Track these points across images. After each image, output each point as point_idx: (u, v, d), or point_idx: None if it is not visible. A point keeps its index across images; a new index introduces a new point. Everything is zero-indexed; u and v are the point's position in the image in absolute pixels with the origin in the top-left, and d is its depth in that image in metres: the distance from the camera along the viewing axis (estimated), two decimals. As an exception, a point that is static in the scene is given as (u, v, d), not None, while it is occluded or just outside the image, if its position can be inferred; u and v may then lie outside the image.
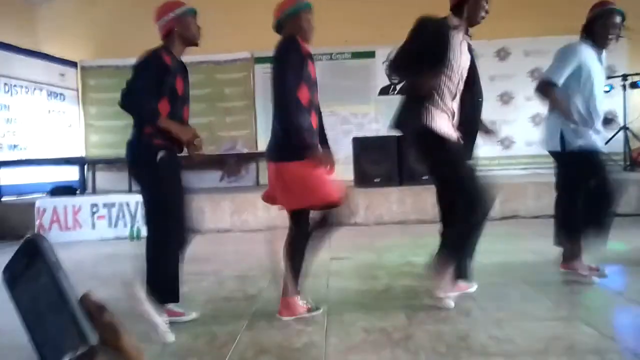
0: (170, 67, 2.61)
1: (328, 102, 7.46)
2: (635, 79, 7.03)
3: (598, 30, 3.07)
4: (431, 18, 2.73)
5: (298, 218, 2.73)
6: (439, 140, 2.73)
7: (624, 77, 6.89)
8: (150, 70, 2.57)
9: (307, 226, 2.73)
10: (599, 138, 3.16)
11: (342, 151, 6.92)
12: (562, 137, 3.10)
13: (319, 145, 2.76)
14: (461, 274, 2.90)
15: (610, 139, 6.62)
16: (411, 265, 3.72)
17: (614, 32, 3.06)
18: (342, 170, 6.61)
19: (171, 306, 2.70)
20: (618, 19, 3.05)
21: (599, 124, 3.14)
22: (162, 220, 2.65)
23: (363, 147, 6.32)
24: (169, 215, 2.63)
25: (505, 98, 7.68)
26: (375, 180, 6.21)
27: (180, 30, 2.67)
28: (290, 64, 2.54)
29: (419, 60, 2.66)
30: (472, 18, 2.73)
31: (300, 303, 2.74)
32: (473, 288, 2.97)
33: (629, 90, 6.93)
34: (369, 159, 6.25)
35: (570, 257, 3.21)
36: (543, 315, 2.67)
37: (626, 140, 6.92)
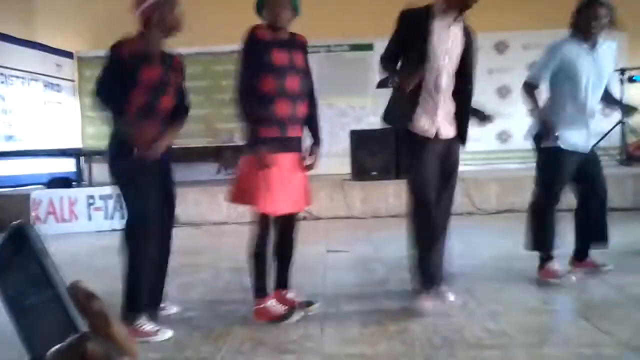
0: (135, 58, 2.49)
1: (325, 94, 7.42)
2: (634, 73, 7.03)
3: (582, 23, 3.03)
4: (409, 9, 2.68)
5: (254, 216, 2.62)
6: (410, 134, 2.71)
7: (622, 71, 6.88)
8: (112, 64, 2.50)
9: (263, 227, 2.59)
10: (583, 136, 3.10)
11: (339, 144, 6.92)
12: (540, 130, 3.17)
13: (309, 135, 2.69)
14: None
15: (607, 133, 6.66)
16: (405, 258, 3.72)
17: (597, 24, 2.98)
18: (340, 163, 6.63)
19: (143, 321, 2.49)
20: (602, 11, 2.97)
21: (589, 121, 3.10)
22: (133, 226, 2.52)
23: (360, 140, 6.31)
24: (140, 220, 2.50)
25: (503, 91, 7.66)
26: (372, 173, 6.21)
27: (158, 17, 2.54)
28: (243, 56, 2.53)
29: (400, 55, 2.68)
30: (461, 3, 2.61)
31: (271, 305, 2.60)
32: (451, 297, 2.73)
33: (627, 84, 6.93)
34: (366, 151, 6.25)
35: (545, 260, 3.12)
36: (538, 308, 2.69)
37: (622, 135, 6.94)
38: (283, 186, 2.53)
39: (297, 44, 2.62)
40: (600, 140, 6.22)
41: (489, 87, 7.40)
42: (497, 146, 7.68)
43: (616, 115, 6.85)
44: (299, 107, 2.59)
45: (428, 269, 2.70)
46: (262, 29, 2.54)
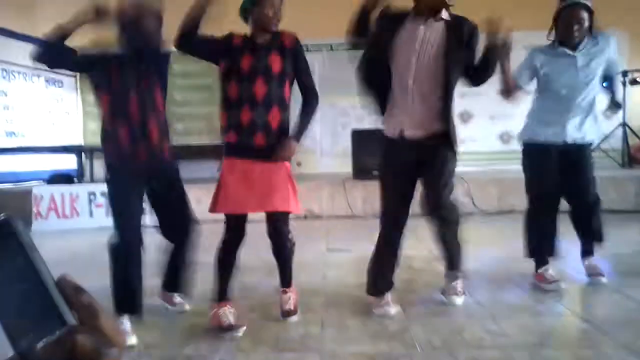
0: (99, 59, 2.50)
1: (327, 93, 7.42)
2: (635, 75, 7.01)
3: (560, 26, 2.96)
4: (381, 11, 2.58)
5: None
6: (383, 141, 2.75)
7: (624, 73, 6.86)
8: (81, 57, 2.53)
9: (226, 231, 2.66)
10: (559, 129, 3.03)
11: (341, 143, 6.92)
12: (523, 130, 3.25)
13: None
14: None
15: (608, 135, 6.65)
16: (408, 259, 3.72)
17: (577, 28, 2.88)
18: (341, 162, 6.63)
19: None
20: (581, 14, 2.86)
21: (570, 117, 3.01)
22: (117, 227, 2.57)
23: (362, 139, 6.31)
24: (120, 223, 2.55)
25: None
26: (374, 173, 6.19)
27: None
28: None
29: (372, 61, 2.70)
30: (432, 3, 2.52)
31: (223, 313, 2.52)
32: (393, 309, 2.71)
33: (629, 86, 6.91)
34: (367, 151, 6.23)
35: (538, 264, 3.10)
36: (539, 309, 2.68)
37: (625, 137, 6.93)
38: (235, 186, 2.49)
39: (278, 46, 2.48)
40: (601, 141, 6.23)
41: (490, 88, 7.32)
42: (499, 147, 7.67)
43: (618, 118, 6.86)
44: (267, 114, 2.45)
45: (381, 273, 2.80)
46: (238, 36, 2.51)
